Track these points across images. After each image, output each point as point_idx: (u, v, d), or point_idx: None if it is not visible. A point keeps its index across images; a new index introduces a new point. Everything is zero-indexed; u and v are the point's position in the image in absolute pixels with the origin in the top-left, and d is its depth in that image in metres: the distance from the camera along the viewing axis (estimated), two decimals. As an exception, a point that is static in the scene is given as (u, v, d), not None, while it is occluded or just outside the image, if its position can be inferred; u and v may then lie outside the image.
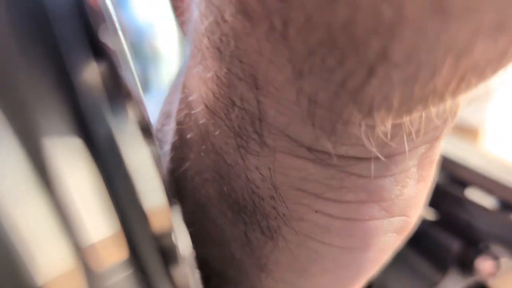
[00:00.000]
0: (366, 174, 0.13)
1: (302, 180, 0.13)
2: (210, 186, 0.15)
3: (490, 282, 0.24)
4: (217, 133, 0.13)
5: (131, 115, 0.08)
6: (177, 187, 0.16)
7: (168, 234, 0.09)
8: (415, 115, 0.11)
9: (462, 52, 0.08)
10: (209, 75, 0.12)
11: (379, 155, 0.12)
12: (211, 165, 0.15)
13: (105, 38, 0.08)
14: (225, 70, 0.12)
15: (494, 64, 0.09)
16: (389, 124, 0.11)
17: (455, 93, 0.10)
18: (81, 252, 0.07)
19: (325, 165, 0.13)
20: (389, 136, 0.11)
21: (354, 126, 0.11)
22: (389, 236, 0.14)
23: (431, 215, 0.26)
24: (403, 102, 0.10)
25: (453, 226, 0.25)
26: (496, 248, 0.24)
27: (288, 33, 0.09)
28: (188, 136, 0.15)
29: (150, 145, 0.09)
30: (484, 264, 0.24)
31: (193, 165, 0.15)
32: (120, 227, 0.08)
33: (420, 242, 0.26)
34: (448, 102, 0.10)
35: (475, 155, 0.25)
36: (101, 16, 0.08)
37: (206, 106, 0.13)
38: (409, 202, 0.14)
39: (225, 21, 0.10)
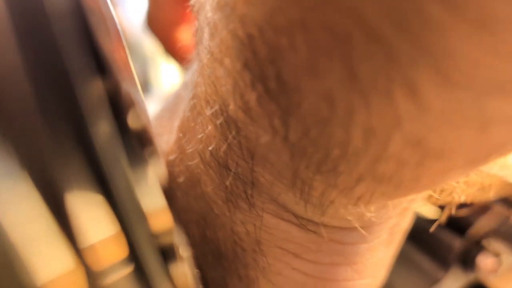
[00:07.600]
0: (344, 241, 0.14)
1: (284, 240, 0.14)
2: (194, 227, 0.16)
3: (491, 279, 0.24)
4: (208, 183, 0.14)
5: (131, 124, 0.09)
6: None
7: (168, 233, 0.09)
8: None
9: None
10: (208, 140, 0.13)
11: (360, 229, 0.13)
12: (197, 209, 0.15)
13: (105, 39, 0.08)
14: (225, 145, 0.12)
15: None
16: (373, 208, 0.12)
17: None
18: (81, 252, 0.07)
19: (307, 230, 0.14)
20: (371, 213, 0.12)
21: (342, 207, 0.12)
22: None
23: (434, 214, 0.26)
24: (385, 197, 0.11)
25: (455, 223, 0.25)
26: (497, 245, 0.24)
27: (289, 136, 0.10)
28: (179, 179, 0.16)
29: (151, 156, 0.09)
30: (485, 261, 0.24)
31: (180, 203, 0.16)
32: (120, 227, 0.08)
33: (423, 240, 0.26)
34: None
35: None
36: (101, 17, 0.08)
37: (201, 159, 0.14)
38: (378, 264, 0.15)
39: (228, 111, 0.11)
